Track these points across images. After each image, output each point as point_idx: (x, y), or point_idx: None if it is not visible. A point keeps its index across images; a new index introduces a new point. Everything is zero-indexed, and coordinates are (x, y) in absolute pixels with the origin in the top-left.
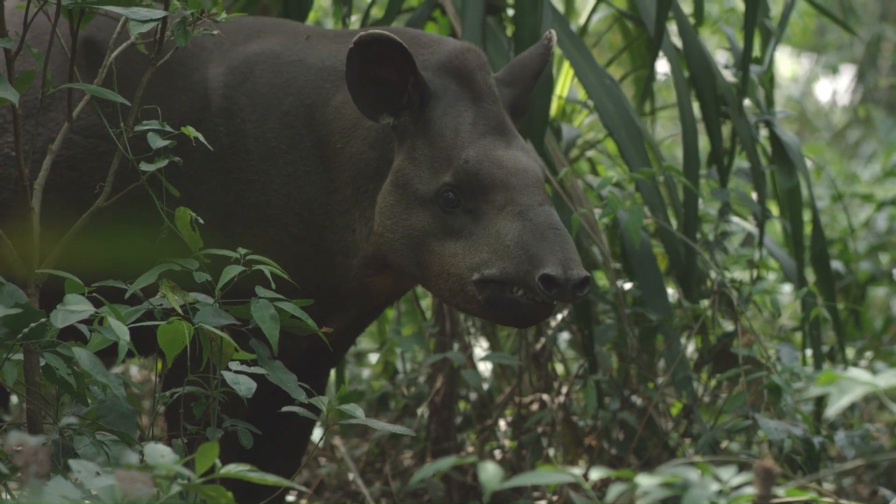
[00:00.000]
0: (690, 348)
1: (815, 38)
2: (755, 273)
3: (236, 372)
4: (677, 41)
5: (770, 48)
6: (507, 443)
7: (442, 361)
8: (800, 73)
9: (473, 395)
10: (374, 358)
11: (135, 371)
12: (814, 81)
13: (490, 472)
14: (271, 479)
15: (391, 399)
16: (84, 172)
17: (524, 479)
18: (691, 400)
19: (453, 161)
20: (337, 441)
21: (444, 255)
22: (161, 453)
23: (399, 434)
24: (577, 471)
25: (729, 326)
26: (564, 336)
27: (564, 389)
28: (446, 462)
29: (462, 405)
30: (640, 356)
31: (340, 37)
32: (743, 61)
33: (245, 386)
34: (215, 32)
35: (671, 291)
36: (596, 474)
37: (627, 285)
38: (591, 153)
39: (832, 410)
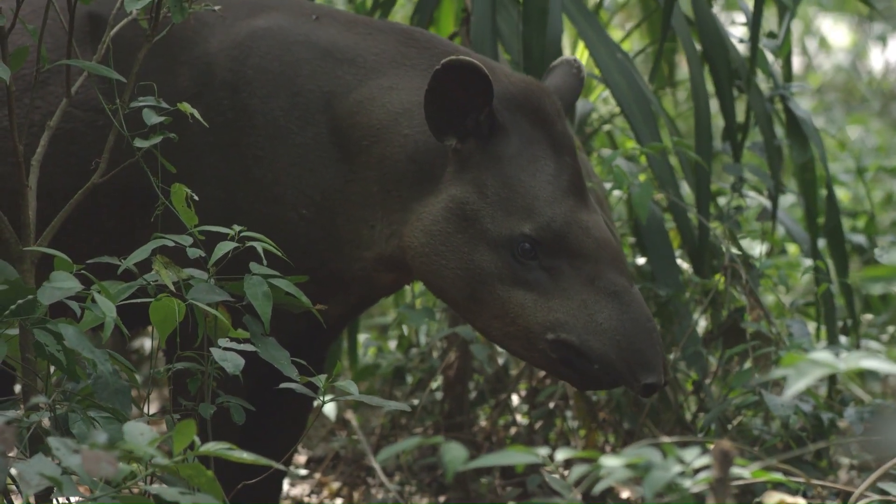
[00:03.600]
0: (704, 324)
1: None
2: (765, 248)
3: (225, 349)
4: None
5: (786, 21)
6: (518, 417)
7: (455, 336)
8: (859, 41)
9: (489, 370)
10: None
11: (149, 344)
12: (863, 51)
13: (454, 453)
14: (249, 457)
15: (406, 373)
16: (83, 146)
17: (490, 460)
18: (702, 375)
19: (535, 215)
20: (350, 415)
21: (509, 302)
22: (140, 432)
23: (414, 408)
24: (544, 450)
25: (744, 301)
26: None
27: None
28: (410, 443)
29: (477, 379)
30: None
31: (356, 24)
32: (752, 34)
33: (233, 363)
34: (216, 8)
35: (686, 266)
36: (562, 455)
37: (641, 260)
38: (613, 128)
39: (790, 392)
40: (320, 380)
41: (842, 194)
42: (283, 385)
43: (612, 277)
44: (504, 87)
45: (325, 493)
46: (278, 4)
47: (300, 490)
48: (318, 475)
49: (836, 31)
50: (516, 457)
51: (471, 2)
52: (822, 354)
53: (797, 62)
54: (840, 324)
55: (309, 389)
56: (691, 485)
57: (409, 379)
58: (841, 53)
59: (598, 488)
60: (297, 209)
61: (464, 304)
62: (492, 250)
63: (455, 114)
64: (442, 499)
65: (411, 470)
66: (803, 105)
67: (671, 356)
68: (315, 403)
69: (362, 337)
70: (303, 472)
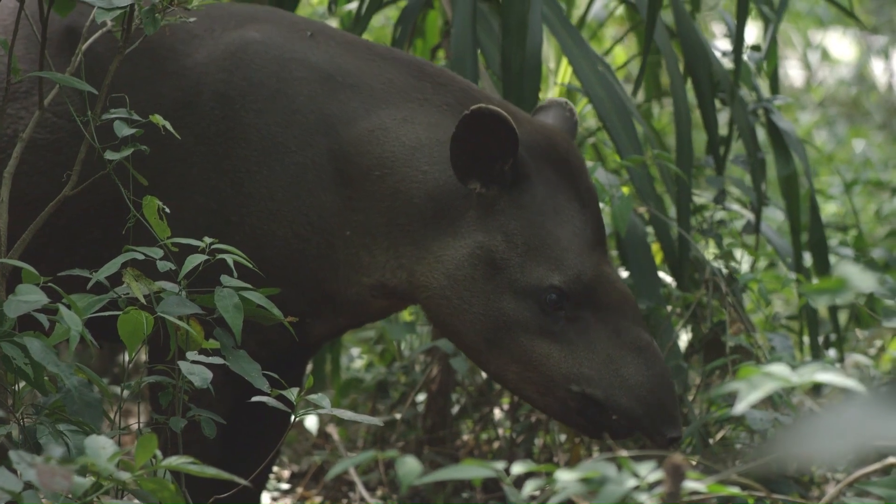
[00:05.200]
0: (687, 337)
1: (872, 18)
2: (748, 261)
3: (193, 362)
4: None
5: (769, 34)
6: (500, 431)
7: (437, 349)
8: (862, 54)
9: (470, 387)
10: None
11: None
12: (865, 64)
13: (408, 467)
14: (210, 471)
15: (390, 387)
16: (69, 156)
17: (445, 474)
18: (682, 389)
19: (565, 267)
20: (332, 429)
21: (532, 351)
22: (102, 445)
23: (396, 421)
24: (500, 464)
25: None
26: None
27: None
28: (364, 456)
29: (460, 393)
30: None
31: (354, 47)
32: (735, 47)
33: (200, 377)
34: (191, 20)
35: (669, 279)
36: (517, 468)
37: (623, 274)
38: (599, 141)
39: (741, 407)
40: (292, 393)
41: (835, 208)
42: (255, 398)
43: (636, 332)
44: (529, 136)
45: None
46: (266, 17)
47: None
48: (300, 489)
49: (841, 45)
50: (471, 471)
51: (451, 12)
52: (777, 367)
53: (800, 76)
54: (832, 337)
55: (282, 403)
56: (646, 499)
57: (393, 393)
58: (845, 68)
59: (552, 502)
60: (292, 226)
61: (479, 348)
62: (518, 299)
63: (481, 160)
64: None
65: (393, 484)
66: (804, 119)
67: None
68: (293, 418)
69: (354, 351)
70: (285, 486)
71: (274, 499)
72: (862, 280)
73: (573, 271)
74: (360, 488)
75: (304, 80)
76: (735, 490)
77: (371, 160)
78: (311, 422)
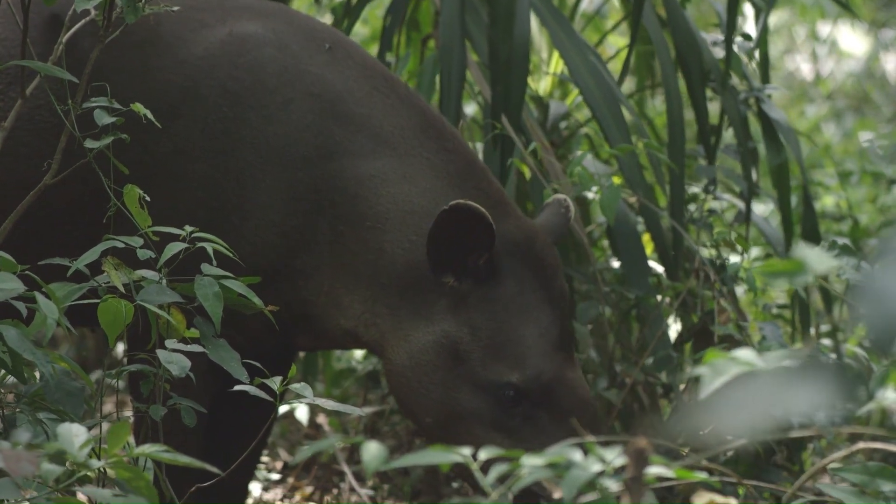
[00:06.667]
0: (677, 327)
1: (881, 13)
2: (733, 249)
3: (172, 350)
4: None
5: (761, 22)
6: None
7: None
8: (871, 47)
9: None
10: None
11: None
12: (875, 57)
13: (372, 452)
14: (184, 459)
15: (381, 377)
16: (72, 139)
17: (412, 460)
18: (671, 378)
19: (525, 366)
20: (323, 419)
21: (484, 443)
22: (75, 433)
23: (387, 413)
24: (466, 450)
25: (722, 304)
26: None
27: None
28: (329, 442)
29: None
30: (621, 334)
31: (373, 74)
32: (726, 35)
33: (178, 365)
34: (175, 9)
35: (660, 269)
36: (484, 454)
37: (616, 263)
38: (592, 131)
39: (704, 392)
40: (275, 382)
41: (836, 199)
42: (237, 388)
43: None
44: (510, 231)
45: (298, 497)
46: (283, 16)
47: (273, 495)
48: (291, 479)
49: (851, 39)
50: (437, 456)
51: (440, 2)
52: (742, 352)
53: (808, 69)
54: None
55: (265, 393)
56: (612, 484)
57: (384, 382)
58: (854, 61)
59: (516, 487)
60: (287, 240)
61: (432, 430)
62: (476, 391)
63: (455, 254)
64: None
65: (386, 474)
66: (812, 111)
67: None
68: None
69: None
70: (275, 476)
71: (265, 489)
72: (820, 262)
73: (533, 371)
74: (350, 478)
75: (317, 98)
76: (703, 476)
77: (366, 208)
78: (301, 412)
